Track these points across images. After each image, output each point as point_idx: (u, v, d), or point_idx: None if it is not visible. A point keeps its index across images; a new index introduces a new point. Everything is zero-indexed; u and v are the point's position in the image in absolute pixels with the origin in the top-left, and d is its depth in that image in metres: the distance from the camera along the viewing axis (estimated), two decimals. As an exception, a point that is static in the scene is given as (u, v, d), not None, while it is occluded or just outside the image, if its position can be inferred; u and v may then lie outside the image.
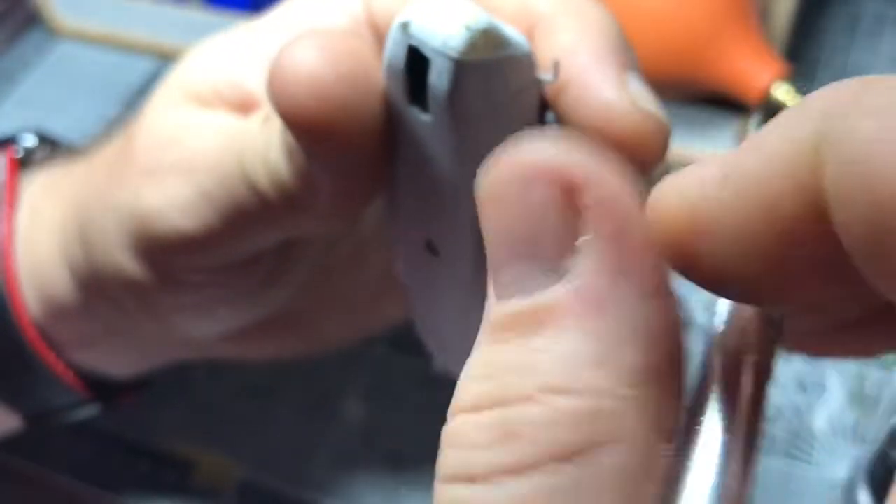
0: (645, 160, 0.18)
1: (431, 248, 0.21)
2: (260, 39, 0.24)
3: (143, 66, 0.52)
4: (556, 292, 0.13)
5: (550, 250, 0.13)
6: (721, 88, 0.39)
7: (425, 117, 0.18)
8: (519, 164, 0.13)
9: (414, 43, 0.17)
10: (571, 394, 0.12)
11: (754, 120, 0.40)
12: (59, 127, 0.49)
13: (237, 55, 0.24)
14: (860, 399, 0.35)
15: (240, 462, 0.36)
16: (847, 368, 0.36)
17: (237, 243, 0.24)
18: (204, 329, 0.28)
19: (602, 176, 0.13)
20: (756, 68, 0.38)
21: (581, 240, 0.13)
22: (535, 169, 0.13)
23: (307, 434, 0.36)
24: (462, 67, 0.17)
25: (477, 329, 0.14)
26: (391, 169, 0.20)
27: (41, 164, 0.30)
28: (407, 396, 0.37)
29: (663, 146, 0.18)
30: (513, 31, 0.18)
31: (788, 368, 0.36)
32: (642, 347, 0.13)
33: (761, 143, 0.12)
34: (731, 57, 0.38)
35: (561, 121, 0.19)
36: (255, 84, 0.23)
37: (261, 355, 0.32)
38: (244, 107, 0.23)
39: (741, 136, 0.41)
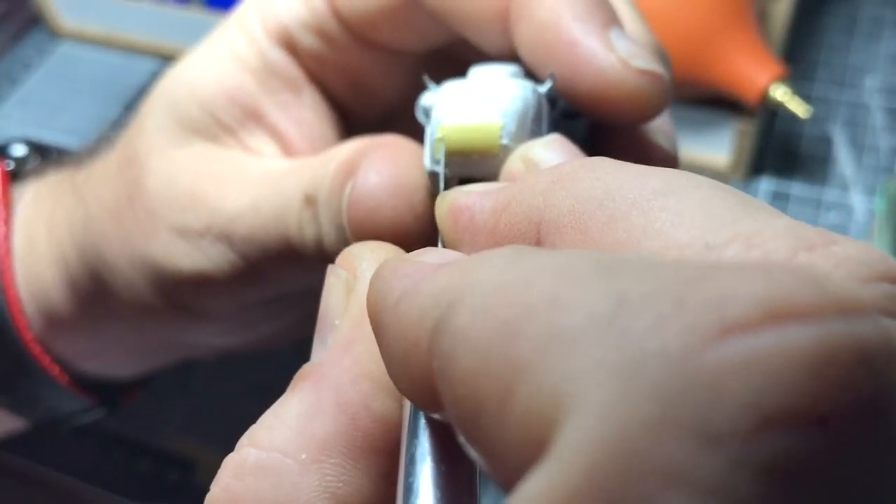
0: (644, 116, 0.19)
1: None
2: (234, 42, 0.24)
3: (143, 66, 0.52)
4: (314, 358, 0.16)
5: (327, 325, 0.16)
6: (720, 90, 0.39)
7: None
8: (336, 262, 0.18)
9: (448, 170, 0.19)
10: (260, 449, 0.15)
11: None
12: (59, 127, 0.49)
13: (220, 68, 0.24)
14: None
15: (240, 462, 0.36)
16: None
17: (270, 288, 0.24)
18: (218, 341, 0.28)
19: (366, 277, 0.16)
20: (754, 70, 0.38)
21: (338, 321, 0.16)
22: (337, 260, 0.18)
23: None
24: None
25: None
26: None
27: (32, 176, 0.30)
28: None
29: (661, 98, 0.19)
30: (519, 90, 0.19)
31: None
32: (339, 423, 0.15)
33: None
34: (729, 58, 0.38)
35: (569, 100, 0.20)
36: (251, 93, 0.23)
37: (270, 345, 0.32)
38: (249, 123, 0.23)
39: (740, 138, 0.41)
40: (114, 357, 0.30)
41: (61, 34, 0.56)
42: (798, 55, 0.48)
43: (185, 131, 0.24)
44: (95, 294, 0.27)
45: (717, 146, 0.42)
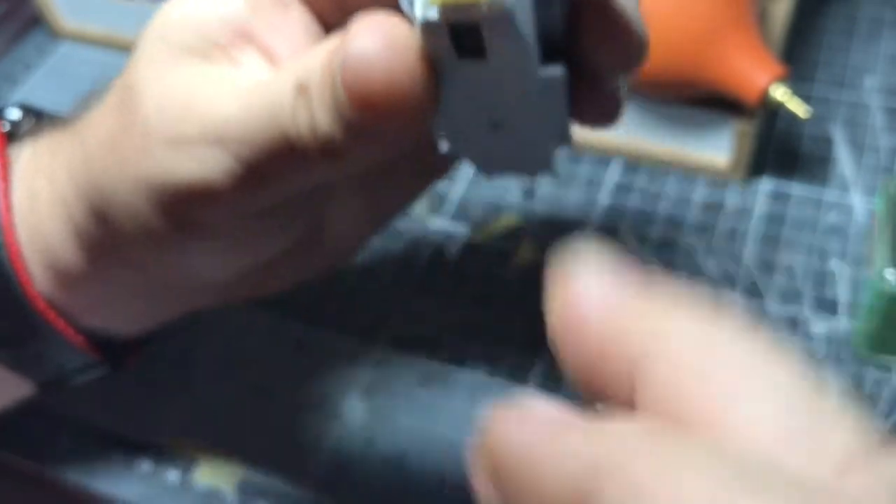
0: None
1: (491, 123, 0.23)
2: None
3: (144, 67, 0.52)
4: None
5: None
6: (719, 90, 0.39)
7: (478, 64, 0.20)
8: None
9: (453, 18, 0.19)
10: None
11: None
12: (60, 128, 0.50)
13: None
14: (858, 399, 0.35)
15: (241, 461, 0.36)
16: (845, 368, 0.36)
17: (271, 193, 0.24)
18: (220, 272, 0.28)
19: None
20: (754, 70, 0.38)
21: None
22: None
23: (308, 433, 0.36)
24: (509, 17, 0.18)
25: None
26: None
27: (28, 137, 0.30)
28: (407, 396, 0.37)
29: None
30: None
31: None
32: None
33: None
34: (729, 59, 0.38)
35: None
36: (241, 15, 0.24)
37: (273, 290, 0.32)
38: (239, 42, 0.24)
39: (739, 138, 0.41)
40: (119, 310, 0.30)
41: (62, 34, 0.56)
42: (798, 55, 0.48)
43: (177, 54, 0.24)
44: (98, 237, 0.27)
45: (716, 146, 0.42)
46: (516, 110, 0.22)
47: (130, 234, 0.26)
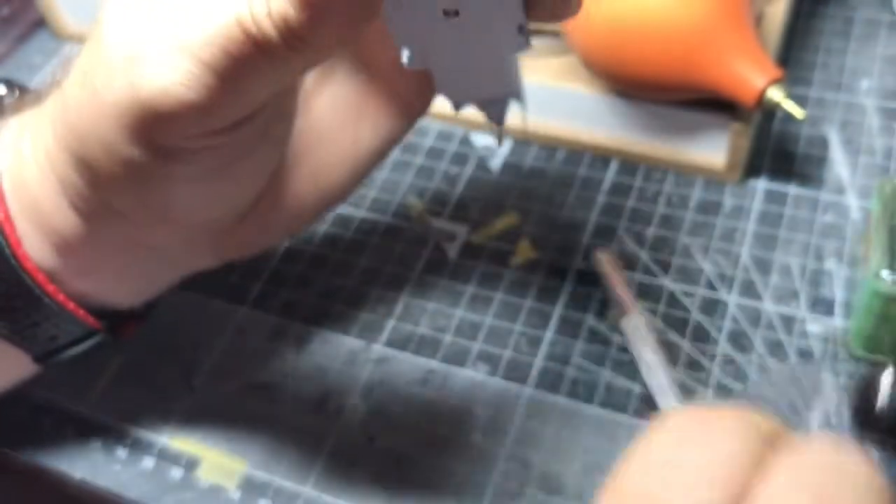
0: None
1: (448, 13, 0.24)
2: None
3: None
4: None
5: None
6: (716, 92, 0.39)
7: None
8: None
9: None
10: None
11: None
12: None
13: None
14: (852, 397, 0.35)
15: (243, 458, 0.36)
16: (843, 368, 0.36)
17: (239, 99, 0.24)
18: (203, 208, 0.28)
19: None
20: (751, 72, 0.38)
21: None
22: None
23: (309, 431, 0.37)
24: None
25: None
26: None
27: (12, 109, 0.30)
28: (407, 396, 0.38)
29: None
30: None
31: (783, 366, 0.36)
32: None
33: None
34: (726, 61, 0.39)
35: None
36: None
37: (248, 250, 0.32)
38: None
39: (736, 140, 0.42)
40: (112, 276, 0.30)
41: (65, 37, 0.56)
42: (794, 57, 0.49)
43: None
44: (82, 187, 0.27)
45: (713, 148, 0.43)
46: None
47: (110, 173, 0.26)
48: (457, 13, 0.23)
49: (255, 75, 0.23)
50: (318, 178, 0.31)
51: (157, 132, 0.24)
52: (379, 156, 0.32)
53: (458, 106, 0.28)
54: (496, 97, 0.28)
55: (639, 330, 0.37)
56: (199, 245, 0.31)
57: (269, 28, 0.22)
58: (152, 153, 0.25)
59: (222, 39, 0.22)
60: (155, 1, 0.24)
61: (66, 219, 0.28)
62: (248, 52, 0.23)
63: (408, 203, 0.45)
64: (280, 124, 0.29)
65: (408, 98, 0.31)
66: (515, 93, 0.28)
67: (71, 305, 0.30)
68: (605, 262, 0.40)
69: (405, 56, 0.25)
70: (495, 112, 0.28)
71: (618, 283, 0.39)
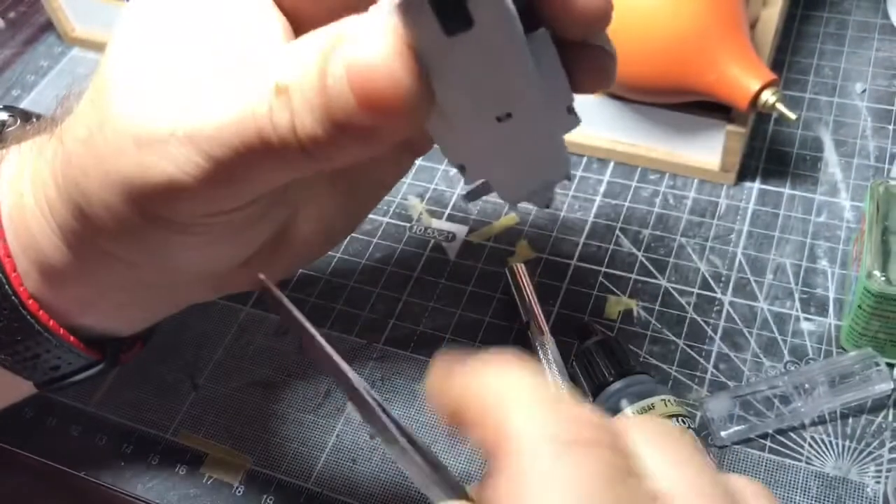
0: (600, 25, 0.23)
1: (501, 118, 0.23)
2: None
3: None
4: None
5: None
6: (711, 95, 0.40)
7: (467, 40, 0.20)
8: None
9: None
10: None
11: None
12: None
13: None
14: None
15: (247, 455, 0.37)
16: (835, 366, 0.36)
17: (244, 191, 0.24)
18: (201, 266, 0.28)
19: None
20: (745, 76, 0.39)
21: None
22: None
23: (311, 429, 0.37)
24: None
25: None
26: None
27: (14, 137, 0.30)
28: (407, 394, 0.38)
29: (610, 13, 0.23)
30: None
31: (781, 365, 0.37)
32: None
33: None
34: (721, 65, 0.39)
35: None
36: None
37: (251, 287, 0.31)
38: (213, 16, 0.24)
39: (730, 142, 0.42)
40: (109, 309, 0.30)
41: (71, 41, 0.57)
42: (788, 60, 0.49)
43: (144, 38, 0.24)
44: (80, 232, 0.27)
45: (708, 150, 0.43)
46: (515, 79, 0.22)
47: (110, 229, 0.26)
48: (509, 115, 0.23)
49: (265, 175, 0.23)
50: (327, 220, 0.31)
51: (161, 209, 0.24)
52: (387, 191, 0.33)
53: (515, 203, 0.27)
54: (549, 183, 0.27)
55: (545, 350, 0.37)
56: (200, 283, 0.31)
57: (293, 144, 0.22)
58: (154, 223, 0.25)
59: (237, 141, 0.22)
60: (165, 72, 0.24)
61: (65, 260, 0.28)
62: (261, 156, 0.22)
63: (408, 203, 0.45)
64: (283, 206, 0.29)
65: (419, 141, 0.31)
66: (566, 174, 0.27)
67: (72, 339, 0.30)
68: (518, 273, 0.40)
69: (462, 173, 0.25)
70: (543, 198, 0.28)
71: (529, 299, 0.39)
